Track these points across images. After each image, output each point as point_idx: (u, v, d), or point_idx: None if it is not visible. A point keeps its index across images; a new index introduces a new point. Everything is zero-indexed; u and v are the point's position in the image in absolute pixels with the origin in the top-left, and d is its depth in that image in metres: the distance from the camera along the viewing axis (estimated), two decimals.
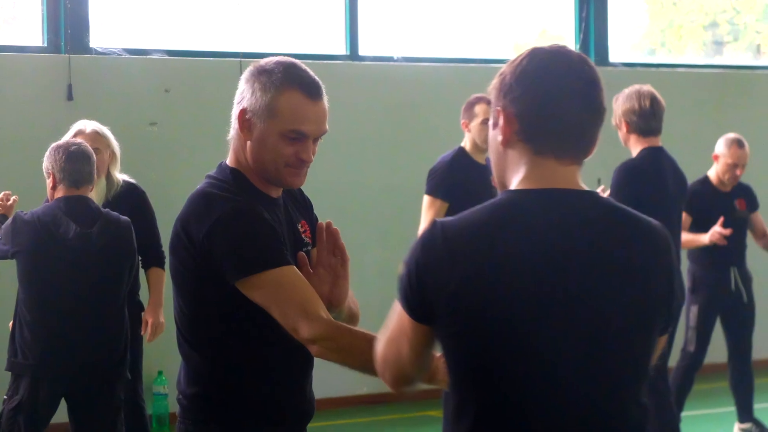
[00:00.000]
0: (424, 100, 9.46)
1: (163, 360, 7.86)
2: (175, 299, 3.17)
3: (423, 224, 6.91)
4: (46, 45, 8.57)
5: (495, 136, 2.47)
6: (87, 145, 5.62)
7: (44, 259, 5.39)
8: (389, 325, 2.50)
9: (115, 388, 5.56)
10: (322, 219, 3.29)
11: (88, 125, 6.22)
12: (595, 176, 8.40)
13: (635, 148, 6.51)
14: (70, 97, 8.38)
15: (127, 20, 9.01)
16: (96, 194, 5.85)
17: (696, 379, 7.79)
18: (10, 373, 5.50)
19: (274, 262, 3.02)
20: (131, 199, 6.23)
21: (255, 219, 3.05)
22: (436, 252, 2.36)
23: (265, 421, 3.16)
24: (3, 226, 5.55)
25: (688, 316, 7.74)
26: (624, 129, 6.52)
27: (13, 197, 5.96)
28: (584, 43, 10.35)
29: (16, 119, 8.30)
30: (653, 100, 6.47)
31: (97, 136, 6.16)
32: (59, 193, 5.46)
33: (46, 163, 5.50)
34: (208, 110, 8.36)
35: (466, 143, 7.10)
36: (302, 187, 3.29)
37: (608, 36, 10.49)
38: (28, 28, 8.79)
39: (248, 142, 3.14)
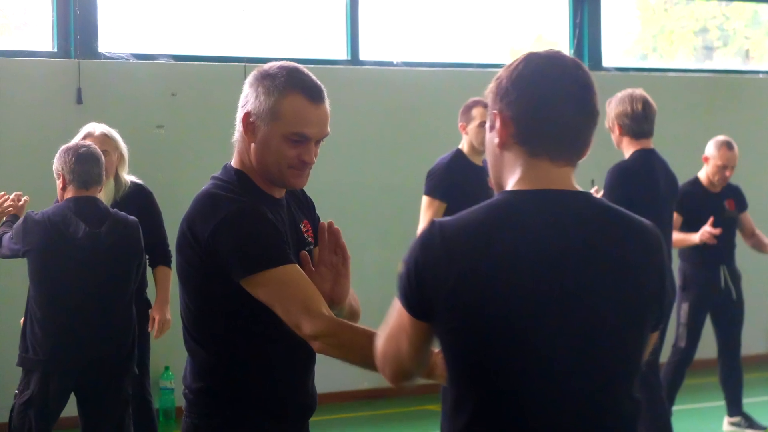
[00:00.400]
0: (423, 103, 9.46)
1: (169, 355, 7.83)
2: (181, 297, 3.18)
3: (422, 224, 6.91)
4: (56, 50, 8.59)
5: (491, 138, 2.50)
6: (96, 147, 5.63)
7: (54, 257, 5.43)
8: (389, 321, 2.52)
9: (123, 383, 5.59)
10: (324, 219, 3.32)
11: (97, 128, 6.23)
12: (588, 177, 8.39)
13: (628, 150, 6.52)
14: (79, 101, 8.41)
15: (135, 26, 9.00)
16: (105, 195, 5.87)
17: (687, 374, 7.81)
18: (21, 368, 5.52)
19: (277, 261, 3.03)
20: (139, 199, 6.24)
21: (259, 219, 3.06)
22: (435, 251, 2.38)
23: (269, 415, 3.16)
24: (14, 226, 5.57)
25: (679, 313, 7.75)
26: (617, 131, 6.52)
27: (24, 198, 5.94)
28: (578, 49, 10.33)
29: (26, 122, 8.31)
30: (645, 103, 6.48)
31: (105, 138, 6.18)
32: (69, 194, 5.49)
33: (57, 164, 5.52)
34: (214, 113, 8.35)
35: (464, 145, 7.09)
36: (305, 188, 3.30)
37: (601, 41, 10.48)
38: (38, 34, 8.77)
39: (252, 145, 3.14)
